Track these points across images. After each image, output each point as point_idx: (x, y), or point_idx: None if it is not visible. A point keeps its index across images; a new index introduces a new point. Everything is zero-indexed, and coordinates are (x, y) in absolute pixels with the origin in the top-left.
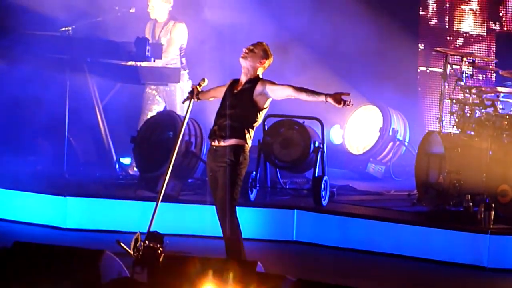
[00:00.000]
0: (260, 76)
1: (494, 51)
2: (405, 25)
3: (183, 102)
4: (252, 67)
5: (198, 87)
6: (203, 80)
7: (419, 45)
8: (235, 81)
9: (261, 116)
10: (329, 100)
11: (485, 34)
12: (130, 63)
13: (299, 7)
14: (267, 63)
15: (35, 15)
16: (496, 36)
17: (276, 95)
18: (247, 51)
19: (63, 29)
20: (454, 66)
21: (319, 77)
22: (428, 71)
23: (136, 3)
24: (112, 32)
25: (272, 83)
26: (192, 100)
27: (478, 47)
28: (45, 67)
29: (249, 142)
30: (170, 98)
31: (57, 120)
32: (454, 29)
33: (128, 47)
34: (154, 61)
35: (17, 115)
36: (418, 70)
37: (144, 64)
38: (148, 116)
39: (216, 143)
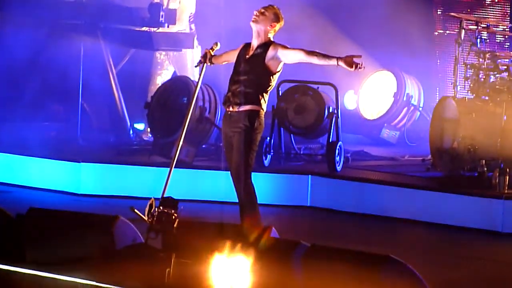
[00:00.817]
0: (272, 39)
1: (509, 15)
2: None
3: (196, 66)
4: (263, 30)
5: (211, 51)
6: (216, 44)
7: (438, 9)
8: (247, 45)
9: (274, 80)
10: (341, 63)
11: None
12: (143, 28)
13: None
14: (278, 26)
15: None
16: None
17: (288, 59)
18: (258, 14)
19: None
20: (468, 31)
21: (333, 42)
22: (446, 33)
23: None
24: None
25: (284, 47)
26: (205, 64)
27: (493, 10)
28: (58, 33)
29: (264, 107)
30: (180, 63)
31: (71, 86)
32: None
33: (141, 12)
34: (168, 26)
35: (30, 81)
36: (436, 34)
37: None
38: (158, 81)
39: (231, 109)
